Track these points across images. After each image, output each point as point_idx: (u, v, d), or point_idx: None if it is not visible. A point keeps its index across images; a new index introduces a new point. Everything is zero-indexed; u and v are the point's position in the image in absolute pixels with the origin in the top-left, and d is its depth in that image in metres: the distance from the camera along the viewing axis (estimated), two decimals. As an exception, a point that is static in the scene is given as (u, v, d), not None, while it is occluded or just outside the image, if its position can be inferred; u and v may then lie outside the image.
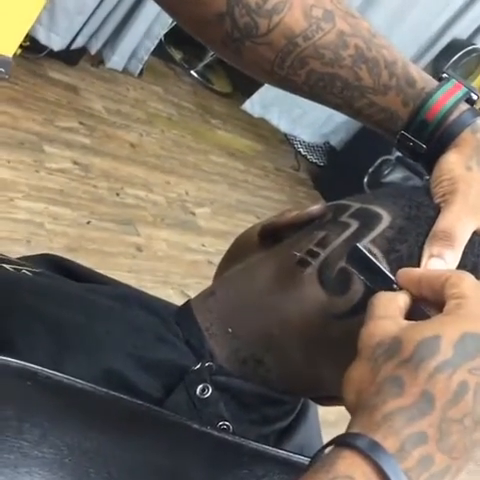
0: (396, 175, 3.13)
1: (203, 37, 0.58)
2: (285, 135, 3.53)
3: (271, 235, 0.55)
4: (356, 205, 0.52)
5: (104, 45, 2.59)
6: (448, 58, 3.20)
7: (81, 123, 2.50)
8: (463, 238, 0.48)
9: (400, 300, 0.43)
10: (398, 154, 2.91)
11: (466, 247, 0.48)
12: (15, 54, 2.21)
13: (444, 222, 0.48)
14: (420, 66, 3.30)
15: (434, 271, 0.45)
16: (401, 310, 0.42)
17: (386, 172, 3.16)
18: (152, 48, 2.68)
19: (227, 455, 0.48)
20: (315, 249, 0.50)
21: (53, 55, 2.48)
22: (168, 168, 2.69)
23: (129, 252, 2.20)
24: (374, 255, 0.47)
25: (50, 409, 0.42)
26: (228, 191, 2.88)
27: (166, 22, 2.55)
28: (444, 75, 0.55)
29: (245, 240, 0.59)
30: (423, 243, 0.48)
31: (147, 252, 2.26)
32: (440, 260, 0.46)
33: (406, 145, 0.55)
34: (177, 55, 3.33)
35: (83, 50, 2.58)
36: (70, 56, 2.56)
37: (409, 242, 0.48)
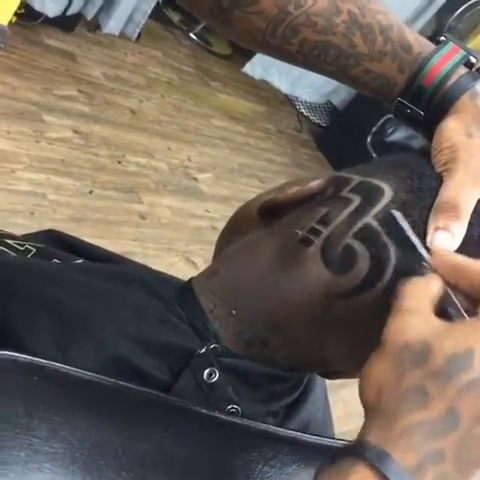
0: (400, 134, 3.10)
1: (191, 6, 0.57)
2: (286, 96, 3.50)
3: (271, 212, 0.54)
4: (357, 178, 0.50)
5: (100, 10, 2.55)
6: (451, 12, 3.14)
7: (80, 91, 2.47)
8: (468, 208, 0.46)
9: (434, 287, 0.41)
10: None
11: (471, 217, 0.46)
12: (10, 22, 2.17)
13: (448, 192, 0.46)
14: (423, 20, 3.24)
15: (476, 264, 0.41)
16: (433, 301, 0.40)
17: (390, 131, 3.13)
18: (149, 11, 2.64)
19: (236, 439, 0.48)
20: (317, 227, 0.48)
21: (49, 22, 2.44)
22: (169, 134, 2.66)
23: (133, 220, 2.20)
24: (375, 230, 0.46)
25: (59, 403, 0.42)
26: (230, 155, 2.87)
27: (162, -16, 2.51)
28: (441, 38, 0.53)
29: (244, 215, 0.58)
30: (427, 217, 0.46)
31: (151, 220, 2.26)
32: (447, 233, 0.45)
33: (404, 112, 0.54)
34: (175, 17, 3.27)
35: (79, 16, 2.54)
36: (66, 22, 2.53)
37: (413, 217, 0.46)
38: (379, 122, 3.11)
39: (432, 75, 0.51)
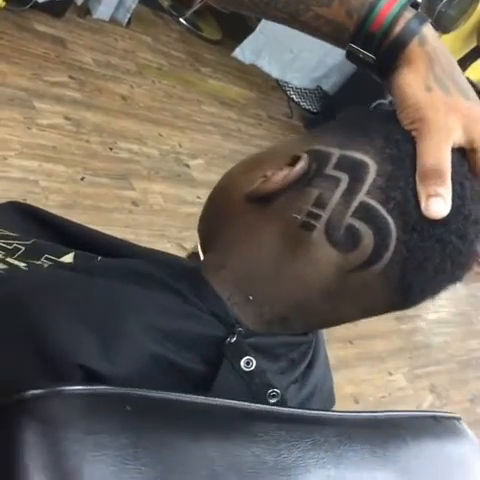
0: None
1: None
2: (277, 81, 3.49)
3: (259, 199, 0.54)
4: (336, 152, 0.51)
5: (90, -5, 2.54)
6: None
7: (71, 77, 2.46)
8: (449, 169, 0.49)
9: None
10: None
11: None
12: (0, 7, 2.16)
13: (429, 158, 0.49)
14: None
15: None
16: None
17: (380, 117, 3.13)
18: (139, -4, 2.63)
19: (289, 430, 0.49)
20: (315, 211, 0.50)
21: (38, 7, 2.42)
22: (160, 120, 2.66)
23: (125, 207, 2.20)
24: (372, 207, 0.49)
25: (154, 429, 0.44)
26: (221, 141, 2.87)
27: (152, -32, 2.49)
28: None
29: (227, 202, 0.57)
30: (414, 184, 0.49)
31: (143, 206, 2.26)
32: (440, 199, 0.48)
33: (357, 57, 0.54)
34: (165, 2, 3.25)
35: (69, 1, 2.52)
36: (56, 8, 2.51)
37: (402, 188, 0.49)
38: (369, 107, 3.11)
39: (380, 21, 0.51)
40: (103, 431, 0.41)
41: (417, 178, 0.49)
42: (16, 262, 0.59)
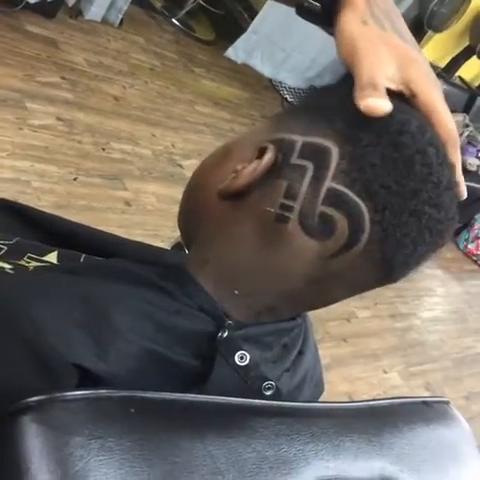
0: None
1: None
2: (270, 81, 3.49)
3: (231, 195, 0.53)
4: (299, 139, 0.51)
5: (81, -4, 2.54)
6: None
7: (63, 78, 2.46)
8: (384, 86, 0.49)
9: None
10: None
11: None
12: (-10, 8, 2.16)
13: (363, 78, 0.49)
14: (406, 4, 3.23)
15: None
16: None
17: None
18: (131, -3, 2.63)
19: (288, 424, 0.50)
20: (287, 202, 0.49)
21: (30, 8, 2.42)
22: (153, 120, 2.66)
23: (118, 207, 2.20)
24: (340, 192, 0.48)
25: (158, 431, 0.44)
26: (215, 141, 2.86)
27: (144, -31, 2.49)
28: None
29: (202, 199, 0.57)
30: (373, 164, 0.48)
31: (136, 206, 2.26)
32: (376, 98, 0.48)
33: (304, 8, 0.55)
34: (157, 3, 3.25)
35: (60, 2, 2.52)
36: (47, 8, 2.51)
37: (363, 168, 0.48)
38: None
39: None
40: (108, 435, 0.41)
41: (354, 96, 0.49)
42: (0, 263, 0.59)
